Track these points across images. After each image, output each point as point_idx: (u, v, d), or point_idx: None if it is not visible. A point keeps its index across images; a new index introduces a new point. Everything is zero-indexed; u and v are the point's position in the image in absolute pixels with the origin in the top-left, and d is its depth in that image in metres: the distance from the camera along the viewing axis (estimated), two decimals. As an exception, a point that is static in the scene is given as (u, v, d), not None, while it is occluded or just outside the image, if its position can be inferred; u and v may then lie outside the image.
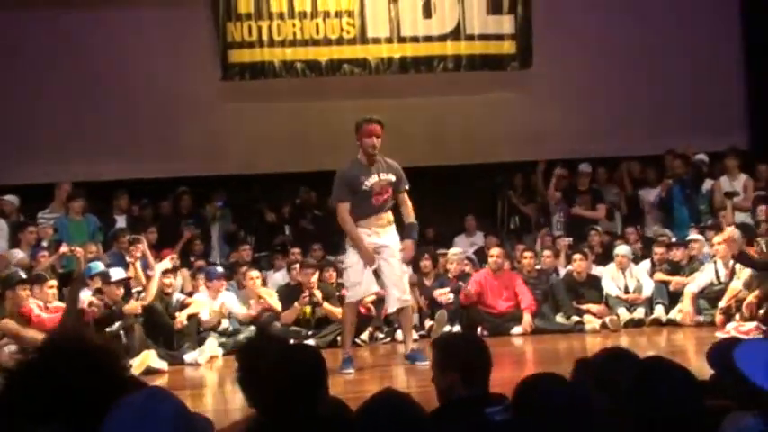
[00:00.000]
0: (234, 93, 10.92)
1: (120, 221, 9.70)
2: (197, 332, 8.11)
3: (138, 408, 1.84)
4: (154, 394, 1.92)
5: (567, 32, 11.29)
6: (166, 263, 8.47)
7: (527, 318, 8.68)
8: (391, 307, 7.10)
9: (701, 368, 3.08)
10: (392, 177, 6.78)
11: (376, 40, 10.87)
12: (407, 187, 6.94)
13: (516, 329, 8.68)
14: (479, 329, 8.60)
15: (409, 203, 6.95)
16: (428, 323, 8.85)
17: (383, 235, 6.77)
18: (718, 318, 8.03)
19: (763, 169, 10.22)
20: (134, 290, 8.15)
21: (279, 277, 9.58)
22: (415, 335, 8.57)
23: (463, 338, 3.31)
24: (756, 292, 7.56)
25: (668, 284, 8.85)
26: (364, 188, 6.67)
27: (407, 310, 7.03)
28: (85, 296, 7.75)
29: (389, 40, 10.89)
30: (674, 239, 9.51)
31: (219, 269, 8.74)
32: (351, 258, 6.78)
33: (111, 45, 10.64)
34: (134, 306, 7.68)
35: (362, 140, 6.64)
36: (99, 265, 7.91)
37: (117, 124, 10.59)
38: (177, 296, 8.38)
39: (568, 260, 9.44)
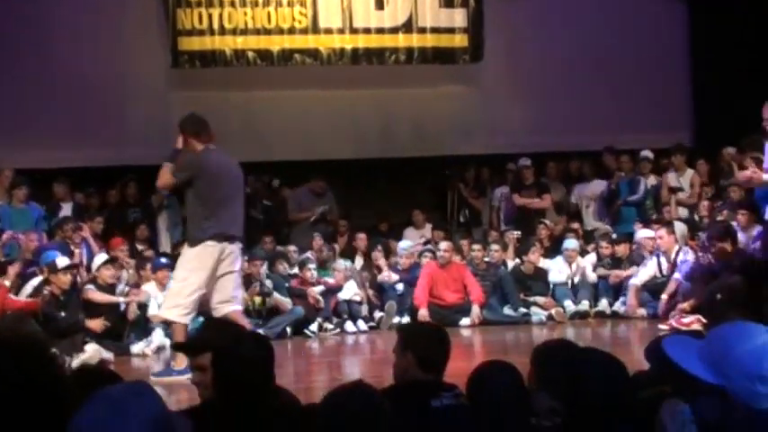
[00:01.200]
0: (184, 81, 10.78)
1: (66, 209, 9.53)
2: (144, 322, 8.03)
3: (115, 402, 1.74)
4: (133, 389, 1.81)
5: (517, 27, 11.41)
6: (103, 255, 8.36)
7: (475, 309, 8.77)
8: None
9: (644, 359, 3.15)
10: None
11: (328, 31, 10.84)
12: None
13: (465, 321, 8.76)
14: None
15: None
16: (377, 314, 8.89)
17: None
18: (661, 310, 8.23)
19: (703, 164, 10.41)
20: (79, 279, 8.03)
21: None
22: (364, 326, 8.66)
23: (428, 326, 3.38)
24: (691, 302, 7.72)
25: (609, 277, 9.05)
26: None
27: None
28: (35, 281, 7.60)
29: (341, 31, 10.86)
30: (614, 235, 9.69)
31: (164, 259, 8.64)
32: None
33: (58, 29, 10.42)
34: (98, 324, 7.57)
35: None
36: (55, 254, 7.76)
37: (63, 111, 10.38)
38: (121, 288, 8.27)
39: (517, 253, 9.56)
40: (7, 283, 7.50)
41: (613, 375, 2.37)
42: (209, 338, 2.97)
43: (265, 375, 2.70)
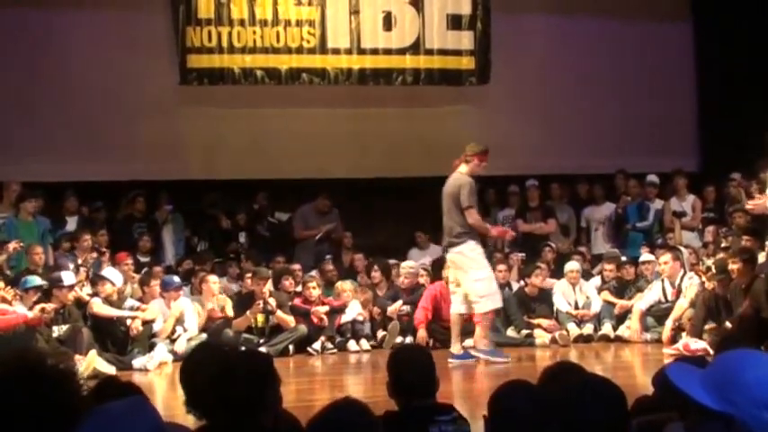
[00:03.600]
0: (192, 97, 10.83)
1: (71, 223, 9.55)
2: (148, 338, 8.03)
3: (114, 418, 1.75)
4: (132, 406, 1.82)
5: (524, 50, 11.45)
6: (110, 270, 8.36)
7: (479, 331, 8.72)
8: (467, 309, 7.72)
9: (647, 383, 3.15)
10: None
11: (336, 51, 10.89)
12: None
13: (468, 342, 8.72)
14: (431, 341, 8.64)
15: None
16: (380, 333, 8.87)
17: None
18: (666, 335, 8.20)
19: (711, 191, 10.44)
20: (85, 294, 8.06)
21: (231, 285, 9.52)
22: (367, 345, 8.63)
23: (399, 352, 3.34)
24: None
25: (614, 305, 9.02)
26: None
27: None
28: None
29: (349, 51, 10.91)
30: (623, 258, 9.67)
31: (176, 279, 8.64)
32: (483, 271, 7.53)
33: (69, 45, 10.48)
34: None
35: (481, 164, 7.62)
36: (36, 279, 7.74)
37: (71, 125, 10.41)
38: (130, 302, 8.27)
39: (521, 275, 9.54)
40: (30, 314, 7.35)
41: (611, 404, 2.33)
42: (202, 363, 2.94)
43: (259, 395, 2.67)
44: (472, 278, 7.49)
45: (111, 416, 1.76)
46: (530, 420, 2.59)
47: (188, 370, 2.95)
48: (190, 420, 2.83)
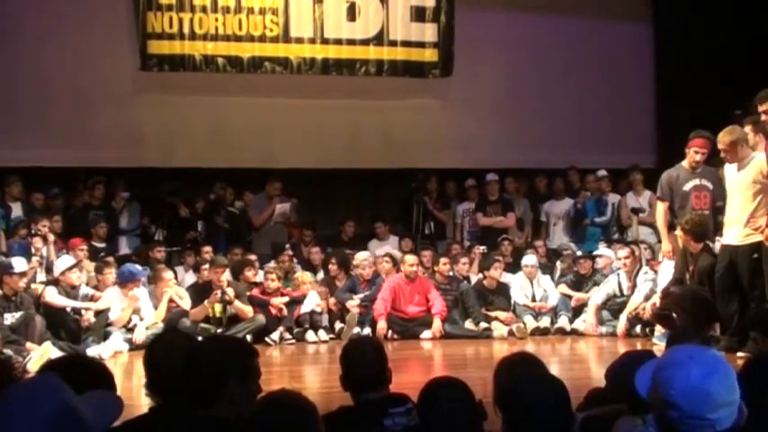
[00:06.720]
0: (152, 84, 10.70)
1: (16, 209, 9.38)
2: (103, 327, 7.91)
3: (20, 401, 1.75)
4: (40, 387, 1.81)
5: (487, 44, 11.51)
6: (67, 259, 8.22)
7: (437, 323, 8.78)
8: None
9: (601, 376, 3.19)
10: (710, 185, 7.27)
11: (299, 40, 10.84)
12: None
13: (426, 334, 8.77)
14: (389, 333, 8.67)
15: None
16: (338, 325, 8.86)
17: None
18: (621, 329, 8.32)
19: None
20: (38, 280, 7.93)
21: (189, 275, 9.44)
22: (325, 336, 8.63)
23: (349, 345, 3.33)
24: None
25: (571, 298, 9.12)
26: (684, 190, 7.25)
27: None
28: None
29: (312, 41, 10.87)
30: (578, 252, 9.78)
31: (138, 268, 8.51)
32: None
33: (26, 28, 10.29)
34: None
35: (690, 149, 7.26)
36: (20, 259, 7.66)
37: (29, 110, 10.24)
38: (85, 290, 8.13)
39: (481, 268, 9.60)
40: None
41: (556, 399, 2.35)
42: (168, 348, 2.93)
43: (218, 385, 2.65)
44: (665, 264, 7.72)
45: (17, 398, 1.76)
46: (459, 417, 2.63)
47: (153, 354, 2.93)
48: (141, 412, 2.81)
